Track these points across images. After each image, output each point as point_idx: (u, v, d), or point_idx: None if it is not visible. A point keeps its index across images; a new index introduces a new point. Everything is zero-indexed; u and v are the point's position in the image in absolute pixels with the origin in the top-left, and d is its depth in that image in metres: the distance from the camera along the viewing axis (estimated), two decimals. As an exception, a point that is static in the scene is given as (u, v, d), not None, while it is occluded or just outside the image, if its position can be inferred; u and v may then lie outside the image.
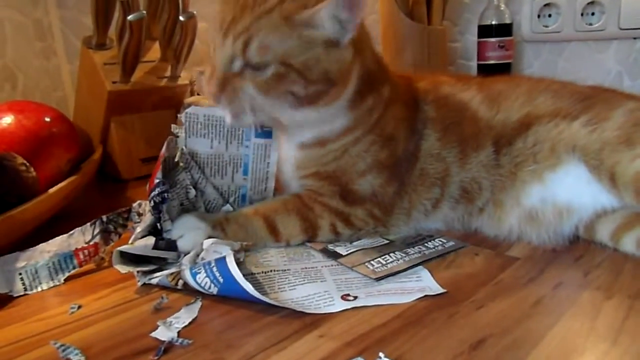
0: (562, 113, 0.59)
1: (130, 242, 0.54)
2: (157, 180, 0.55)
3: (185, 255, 0.54)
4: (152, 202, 0.54)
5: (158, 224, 0.55)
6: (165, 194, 0.55)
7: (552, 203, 0.57)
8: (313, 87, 0.54)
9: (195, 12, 0.88)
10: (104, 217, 0.57)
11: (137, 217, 0.59)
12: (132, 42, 0.81)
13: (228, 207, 0.63)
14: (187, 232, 0.55)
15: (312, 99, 0.55)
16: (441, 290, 0.48)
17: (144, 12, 0.80)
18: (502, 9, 1.04)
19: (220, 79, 0.53)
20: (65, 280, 0.54)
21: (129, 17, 0.78)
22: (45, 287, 0.52)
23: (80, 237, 0.55)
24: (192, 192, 0.59)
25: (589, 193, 0.56)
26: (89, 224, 0.56)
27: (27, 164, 0.61)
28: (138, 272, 0.52)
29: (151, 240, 0.52)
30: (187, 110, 0.60)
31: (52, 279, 0.53)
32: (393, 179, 0.60)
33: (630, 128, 0.55)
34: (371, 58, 0.60)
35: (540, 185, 0.58)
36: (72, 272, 0.54)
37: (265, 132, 0.62)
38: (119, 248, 0.52)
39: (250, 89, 0.53)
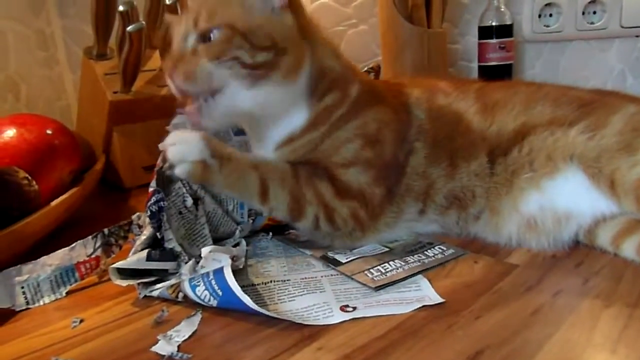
0: (558, 121, 0.58)
1: (130, 254, 0.54)
2: (151, 189, 0.56)
3: (185, 263, 0.54)
4: (148, 211, 0.55)
5: (158, 234, 0.55)
6: (162, 203, 0.55)
7: (551, 210, 0.57)
8: (261, 55, 0.55)
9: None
10: (106, 230, 0.58)
11: (137, 229, 0.59)
12: (132, 52, 0.82)
13: (238, 233, 0.63)
14: (182, 144, 0.55)
15: (262, 70, 0.55)
16: (440, 300, 0.48)
17: (143, 22, 0.81)
18: (502, 9, 1.03)
19: (176, 56, 0.57)
20: (69, 292, 0.54)
21: (128, 28, 0.79)
22: (47, 300, 0.53)
23: (82, 250, 0.56)
24: (189, 200, 0.59)
25: (588, 200, 0.55)
26: (90, 237, 0.57)
27: (29, 178, 0.62)
28: (139, 284, 0.53)
29: (143, 253, 0.53)
30: (173, 121, 0.60)
31: (54, 293, 0.54)
32: (381, 181, 0.60)
33: (630, 133, 0.54)
34: (329, 55, 0.61)
35: (538, 193, 0.57)
36: (74, 285, 0.55)
37: (241, 130, 0.65)
38: (113, 265, 0.52)
39: (202, 60, 0.55)
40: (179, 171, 0.55)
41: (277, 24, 0.56)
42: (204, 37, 0.55)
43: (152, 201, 0.55)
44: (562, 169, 0.57)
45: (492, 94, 0.64)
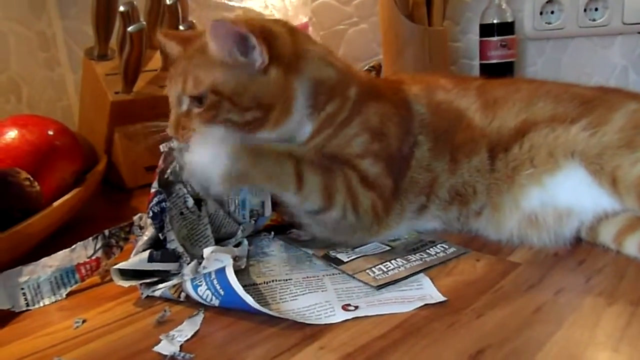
0: (560, 118, 0.58)
1: (132, 255, 0.54)
2: (153, 190, 0.56)
3: (187, 264, 0.54)
4: (150, 212, 0.55)
5: (160, 235, 0.55)
6: (164, 203, 0.55)
7: (552, 206, 0.57)
8: (249, 114, 0.57)
9: (194, 21, 0.88)
10: (106, 232, 0.58)
11: (138, 230, 0.59)
12: (133, 53, 0.82)
13: (240, 233, 0.62)
14: (206, 158, 0.54)
15: (256, 124, 0.57)
16: (442, 298, 0.48)
17: (144, 23, 0.81)
18: (503, 7, 1.03)
19: (173, 121, 0.59)
20: (70, 293, 0.54)
21: (129, 29, 0.79)
22: (47, 302, 0.53)
23: (82, 251, 0.56)
24: (190, 201, 0.59)
25: (589, 196, 0.55)
26: (90, 238, 0.57)
27: (31, 179, 0.62)
28: (141, 284, 0.53)
29: (145, 254, 0.53)
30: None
31: (54, 294, 0.54)
32: (390, 174, 0.60)
33: (631, 130, 0.54)
34: (323, 65, 0.61)
35: (540, 189, 0.58)
36: (74, 287, 0.55)
37: None
38: (115, 266, 0.52)
39: (195, 124, 0.57)
40: (217, 189, 0.55)
41: (261, 83, 0.57)
42: (196, 100, 0.57)
43: (154, 202, 0.55)
44: (563, 166, 0.56)
45: (493, 91, 0.64)
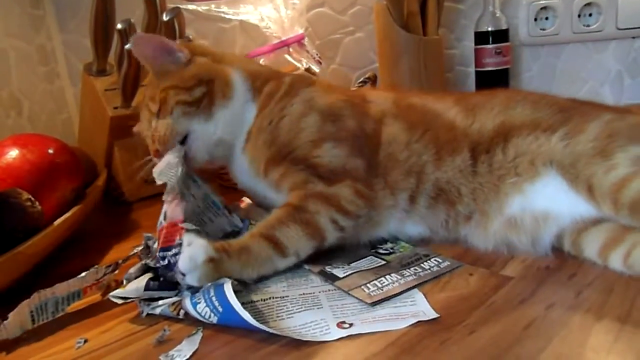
0: (542, 125, 0.60)
1: (123, 282, 0.56)
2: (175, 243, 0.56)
3: (186, 290, 0.55)
4: (166, 260, 0.55)
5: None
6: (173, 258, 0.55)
7: (530, 210, 0.59)
8: (195, 91, 0.65)
9: (191, 37, 0.89)
10: (120, 261, 0.60)
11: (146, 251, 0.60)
12: (130, 69, 0.83)
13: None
14: (187, 251, 0.53)
15: (205, 100, 0.65)
16: (434, 315, 0.48)
17: (141, 40, 0.81)
18: (497, 15, 1.04)
19: (151, 138, 0.70)
20: (72, 312, 0.55)
21: (127, 46, 0.80)
22: (50, 317, 0.54)
23: (93, 276, 0.57)
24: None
25: (566, 202, 0.57)
26: (104, 266, 0.58)
27: (33, 199, 0.63)
28: (141, 302, 0.54)
29: (142, 282, 0.54)
30: (168, 153, 0.63)
31: (58, 311, 0.54)
32: (356, 152, 0.63)
33: (605, 139, 0.56)
34: (248, 63, 0.77)
35: (521, 196, 0.60)
36: (77, 301, 0.56)
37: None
38: (111, 294, 0.53)
39: (161, 121, 0.66)
40: (190, 280, 0.52)
41: (193, 67, 0.67)
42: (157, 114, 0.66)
43: (171, 252, 0.55)
44: (542, 174, 0.59)
45: (472, 99, 0.68)
